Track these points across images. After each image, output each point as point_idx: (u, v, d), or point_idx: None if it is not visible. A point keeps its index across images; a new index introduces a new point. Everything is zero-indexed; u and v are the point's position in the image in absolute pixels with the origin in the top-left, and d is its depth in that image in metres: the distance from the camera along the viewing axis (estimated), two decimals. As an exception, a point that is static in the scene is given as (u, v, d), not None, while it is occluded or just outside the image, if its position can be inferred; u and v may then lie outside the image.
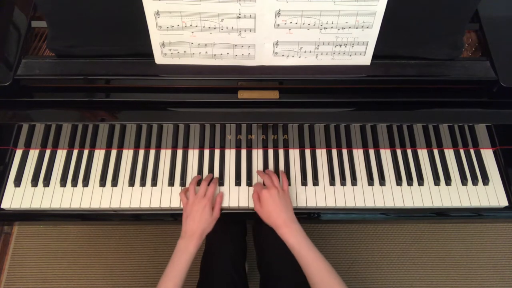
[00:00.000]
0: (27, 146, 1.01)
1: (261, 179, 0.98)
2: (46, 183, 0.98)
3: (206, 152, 1.03)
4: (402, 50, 0.92)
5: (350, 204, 0.97)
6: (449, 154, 1.04)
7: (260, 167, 1.01)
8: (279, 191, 0.91)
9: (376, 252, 1.63)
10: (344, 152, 1.03)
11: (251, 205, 0.97)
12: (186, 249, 0.88)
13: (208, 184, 0.96)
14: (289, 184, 0.99)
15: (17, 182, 0.97)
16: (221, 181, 0.99)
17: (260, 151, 1.03)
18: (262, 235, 1.12)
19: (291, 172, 1.01)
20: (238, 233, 1.15)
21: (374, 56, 0.90)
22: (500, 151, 1.02)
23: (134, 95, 0.95)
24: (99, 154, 1.02)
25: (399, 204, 0.97)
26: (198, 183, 0.98)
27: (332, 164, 1.01)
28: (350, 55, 0.90)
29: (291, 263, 1.04)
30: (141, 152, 1.03)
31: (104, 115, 0.96)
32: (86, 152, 1.02)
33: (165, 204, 0.97)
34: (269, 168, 1.01)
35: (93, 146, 1.02)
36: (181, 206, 0.97)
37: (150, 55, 0.90)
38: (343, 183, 0.99)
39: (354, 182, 1.00)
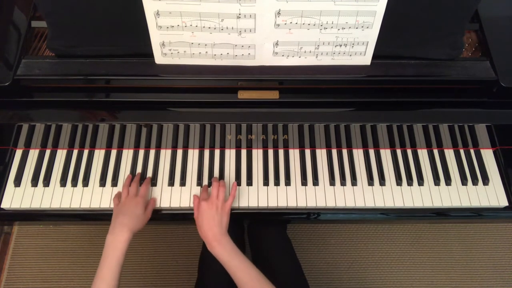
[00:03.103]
0: (27, 146, 1.01)
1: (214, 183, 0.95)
2: (46, 183, 0.98)
3: (206, 152, 1.03)
4: (402, 50, 0.92)
5: (350, 204, 0.97)
6: (449, 154, 1.04)
7: (260, 167, 1.01)
8: (218, 208, 0.90)
9: (376, 252, 1.63)
10: (344, 152, 1.03)
11: (251, 205, 0.97)
12: (115, 244, 0.84)
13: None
14: (289, 184, 0.99)
15: (17, 182, 0.97)
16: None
17: (260, 151, 1.03)
18: (256, 237, 1.12)
19: (291, 172, 1.01)
20: (235, 233, 1.15)
21: (374, 56, 0.90)
22: (500, 151, 1.02)
23: (134, 95, 0.95)
24: (99, 154, 1.02)
25: (399, 204, 0.97)
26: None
27: (332, 164, 1.01)
28: (350, 55, 0.90)
29: (286, 263, 1.05)
30: (141, 152, 1.03)
31: (104, 115, 0.96)
32: (86, 152, 1.02)
33: (165, 204, 0.97)
34: (269, 169, 1.01)
35: (93, 146, 1.02)
36: (181, 206, 0.97)
37: (150, 55, 0.90)
38: (343, 183, 0.99)
39: (354, 182, 1.00)
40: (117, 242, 0.84)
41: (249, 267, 0.85)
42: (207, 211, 0.89)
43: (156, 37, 0.86)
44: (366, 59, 0.91)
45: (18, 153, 1.01)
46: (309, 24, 0.84)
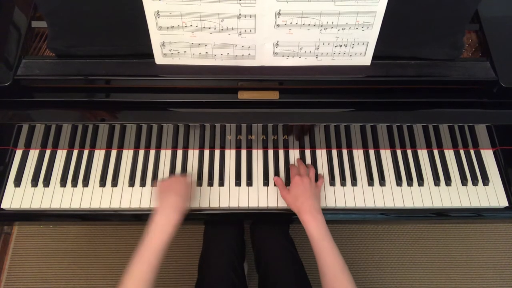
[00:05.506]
0: (27, 146, 1.01)
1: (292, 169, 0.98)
2: (46, 183, 0.98)
3: (206, 152, 1.03)
4: (402, 50, 0.92)
5: (350, 204, 0.97)
6: (449, 154, 1.04)
7: (260, 168, 1.01)
8: (311, 182, 0.92)
9: (376, 252, 1.63)
10: (344, 152, 1.03)
11: (251, 205, 0.97)
12: (165, 227, 0.74)
13: None
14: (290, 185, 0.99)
15: (17, 182, 0.97)
16: (221, 182, 0.99)
17: (260, 151, 1.03)
18: (259, 237, 1.12)
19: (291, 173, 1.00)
20: (236, 233, 1.15)
21: (374, 57, 0.90)
22: (500, 152, 1.02)
23: (134, 95, 0.95)
24: (99, 154, 1.02)
25: (399, 204, 0.98)
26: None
27: (332, 165, 1.01)
28: (350, 55, 0.90)
29: (288, 264, 1.05)
30: (141, 152, 1.03)
31: (104, 115, 0.96)
32: (86, 152, 1.02)
33: (165, 204, 0.97)
34: (269, 169, 1.01)
35: (93, 146, 1.02)
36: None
37: (150, 55, 0.90)
38: (343, 183, 0.99)
39: (354, 182, 1.00)
40: (167, 224, 0.75)
41: (337, 253, 0.81)
42: (301, 184, 0.91)
43: (156, 38, 0.86)
44: (366, 60, 0.91)
45: (18, 153, 1.01)
46: (309, 25, 0.84)
